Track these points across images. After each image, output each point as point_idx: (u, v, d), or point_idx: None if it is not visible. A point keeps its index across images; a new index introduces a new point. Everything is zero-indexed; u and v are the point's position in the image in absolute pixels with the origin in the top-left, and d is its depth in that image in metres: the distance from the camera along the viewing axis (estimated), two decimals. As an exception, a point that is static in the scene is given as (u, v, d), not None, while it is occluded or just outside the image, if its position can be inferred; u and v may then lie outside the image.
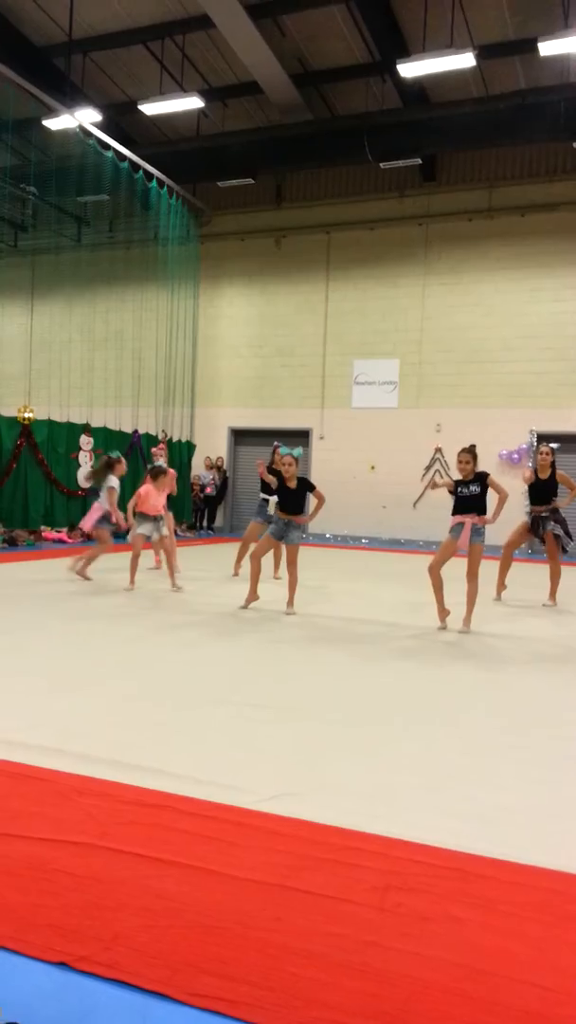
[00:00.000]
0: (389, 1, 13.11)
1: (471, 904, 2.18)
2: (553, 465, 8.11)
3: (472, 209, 16.30)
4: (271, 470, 8.44)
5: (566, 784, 3.14)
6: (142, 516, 8.46)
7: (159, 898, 2.15)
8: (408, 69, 12.53)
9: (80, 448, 14.36)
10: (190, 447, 17.11)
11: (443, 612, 6.58)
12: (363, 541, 16.43)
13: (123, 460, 9.18)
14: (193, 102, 14.25)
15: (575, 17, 12.11)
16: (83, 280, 16.61)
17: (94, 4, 13.74)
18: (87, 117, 13.81)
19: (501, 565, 8.37)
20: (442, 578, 6.60)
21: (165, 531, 8.63)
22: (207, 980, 1.81)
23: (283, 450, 7.30)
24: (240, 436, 18.58)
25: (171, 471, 9.07)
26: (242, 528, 17.58)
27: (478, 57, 12.23)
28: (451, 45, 12.37)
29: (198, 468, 17.66)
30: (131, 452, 15.44)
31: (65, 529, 13.88)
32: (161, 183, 15.54)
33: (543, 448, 8.18)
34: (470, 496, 6.59)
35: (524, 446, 15.62)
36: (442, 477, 15.10)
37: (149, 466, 8.87)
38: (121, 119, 16.52)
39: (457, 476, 6.80)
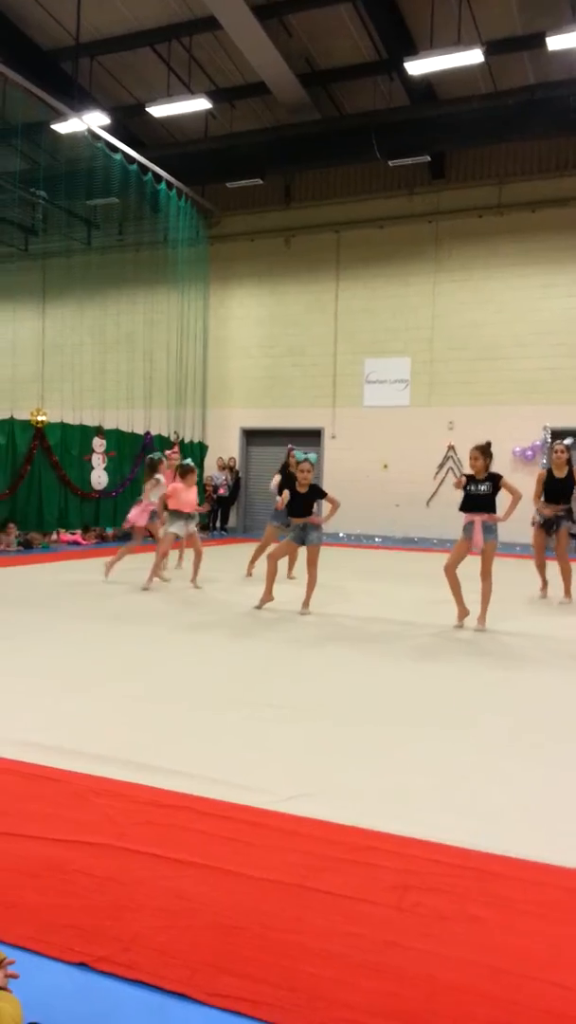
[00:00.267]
0: (396, -2, 13.08)
1: (489, 903, 2.18)
2: (569, 463, 8.00)
3: (482, 206, 16.22)
4: (285, 472, 8.44)
5: (584, 782, 3.12)
6: (175, 514, 8.48)
7: (178, 898, 2.16)
8: (415, 67, 12.49)
9: (93, 450, 14.42)
10: (202, 448, 17.14)
11: (462, 611, 6.55)
12: (377, 540, 16.40)
13: (164, 460, 9.27)
14: (201, 103, 14.26)
15: (583, 10, 12.04)
16: (93, 283, 16.66)
17: (100, 7, 13.78)
18: (95, 120, 13.85)
19: (537, 564, 8.38)
20: (459, 578, 6.58)
21: (195, 528, 8.69)
22: (226, 980, 1.82)
23: (299, 455, 7.26)
24: (252, 436, 18.58)
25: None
26: (255, 528, 17.65)
27: (486, 53, 12.16)
28: (458, 42, 12.32)
29: (210, 469, 17.69)
30: (143, 454, 15.49)
31: (79, 531, 13.93)
32: (170, 185, 15.57)
33: (557, 446, 8.06)
34: (479, 495, 6.54)
35: (538, 442, 15.55)
36: (457, 476, 15.08)
37: (177, 464, 8.89)
38: (129, 122, 16.56)
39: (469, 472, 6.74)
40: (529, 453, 15.56)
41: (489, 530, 6.47)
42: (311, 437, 17.50)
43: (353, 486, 16.14)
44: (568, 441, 8.21)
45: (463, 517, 6.65)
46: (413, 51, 13.26)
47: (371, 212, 17.06)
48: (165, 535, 8.56)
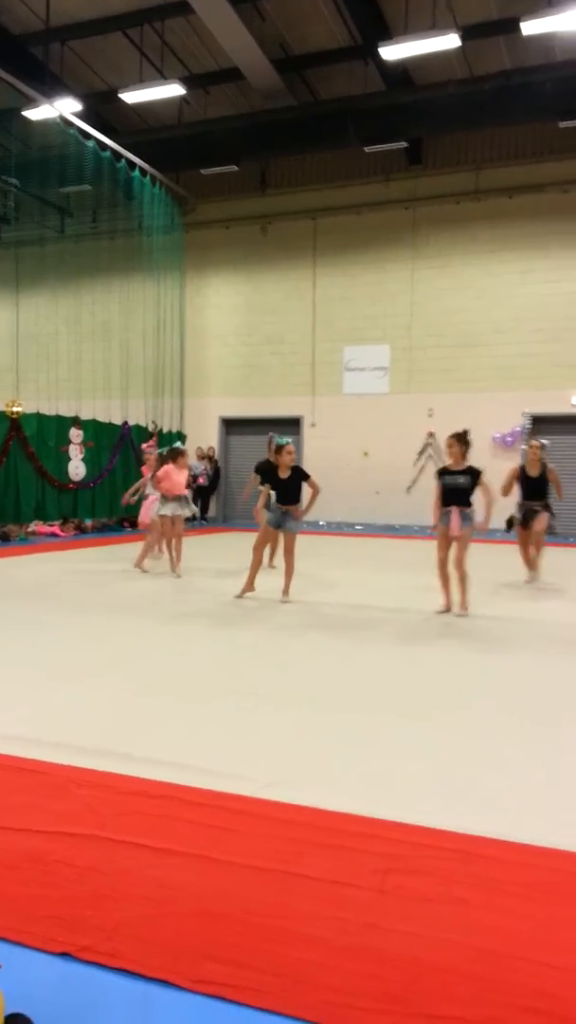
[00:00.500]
0: (370, -18, 12.99)
1: (473, 885, 2.18)
2: (543, 462, 8.02)
3: (459, 192, 16.21)
4: (263, 464, 8.31)
5: (568, 765, 3.14)
6: (165, 497, 8.58)
7: (160, 887, 2.14)
8: (391, 52, 12.42)
9: (70, 441, 14.30)
10: (181, 437, 17.04)
11: (447, 602, 6.55)
12: (357, 527, 16.43)
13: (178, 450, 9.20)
14: (174, 89, 14.11)
15: (558, -5, 12.01)
16: (68, 271, 16.49)
17: (72, -9, 13.58)
18: (67, 107, 13.67)
19: (524, 560, 8.34)
20: (448, 574, 6.59)
21: (187, 512, 8.75)
22: (210, 966, 1.81)
23: (280, 439, 7.09)
24: (231, 425, 18.52)
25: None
26: (235, 518, 17.60)
27: (461, 38, 12.12)
28: (433, 26, 12.26)
29: (190, 458, 17.58)
30: (121, 444, 15.40)
31: (58, 523, 13.83)
32: (144, 172, 15.42)
33: (532, 443, 8.05)
34: (457, 487, 6.46)
35: (517, 428, 15.62)
36: (436, 465, 15.15)
37: (168, 449, 8.96)
38: (101, 108, 16.36)
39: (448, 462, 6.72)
40: (509, 439, 15.62)
41: (466, 517, 6.46)
42: (290, 425, 17.46)
43: (333, 474, 16.13)
44: (543, 441, 8.20)
45: (441, 508, 6.60)
46: (388, 36, 13.19)
47: (348, 198, 17.00)
48: (159, 517, 8.65)
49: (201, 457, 17.73)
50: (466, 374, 16.20)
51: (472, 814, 2.62)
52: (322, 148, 16.01)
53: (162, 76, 14.65)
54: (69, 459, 14.28)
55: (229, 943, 1.90)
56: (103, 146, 14.26)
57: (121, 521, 15.18)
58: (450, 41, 11.99)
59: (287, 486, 6.96)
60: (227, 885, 2.15)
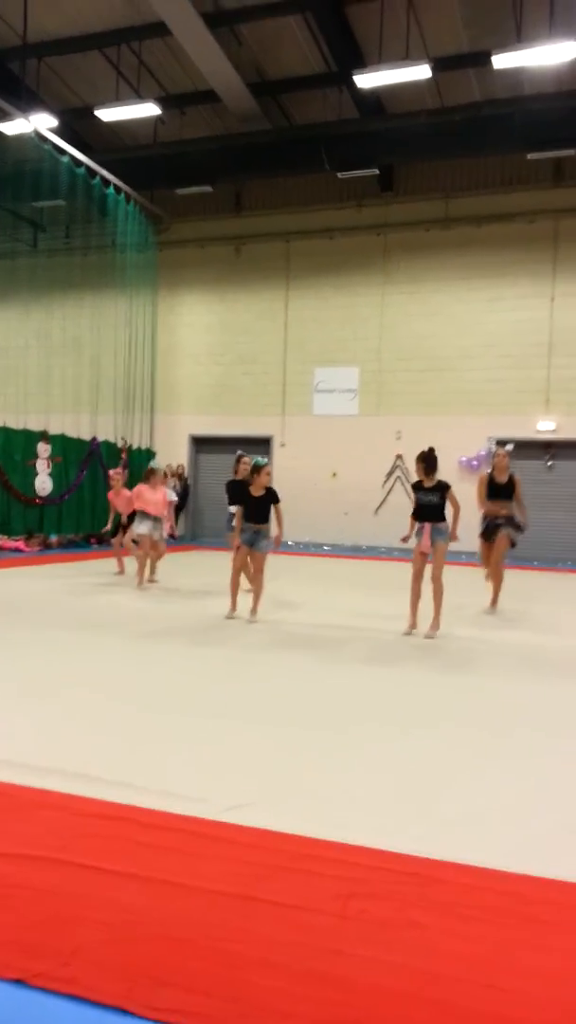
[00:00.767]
0: (345, 12, 13.23)
1: (432, 909, 2.19)
2: (510, 469, 7.97)
3: (429, 219, 16.48)
4: (234, 483, 8.37)
5: (529, 788, 3.18)
6: (143, 515, 8.91)
7: (119, 911, 2.13)
8: (364, 80, 12.65)
9: (37, 456, 14.19)
10: (150, 455, 17.01)
11: (413, 623, 6.61)
12: (325, 548, 16.47)
13: (158, 470, 9.60)
14: (150, 109, 14.21)
15: (528, 31, 12.34)
16: (40, 286, 16.41)
17: (48, 8, 13.64)
18: (43, 122, 13.68)
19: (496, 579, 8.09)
20: (420, 591, 6.67)
21: (157, 534, 9.04)
22: (167, 993, 1.80)
23: (258, 460, 7.16)
24: (201, 444, 18.52)
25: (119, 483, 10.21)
26: (204, 536, 17.57)
27: (433, 69, 12.39)
28: (407, 57, 12.52)
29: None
30: (89, 460, 15.32)
31: (23, 538, 13.69)
32: (118, 189, 15.46)
33: (499, 451, 8.04)
34: (430, 504, 6.68)
35: (483, 452, 15.82)
36: (405, 486, 15.30)
37: (147, 467, 9.43)
38: (77, 124, 16.41)
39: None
40: (475, 463, 15.82)
41: (439, 532, 6.61)
42: (261, 445, 17.51)
43: (302, 494, 16.19)
44: (509, 447, 8.19)
45: (415, 525, 6.76)
46: (362, 64, 13.44)
47: (321, 222, 17.20)
48: (138, 535, 8.96)
49: (171, 475, 17.68)
50: (434, 398, 16.40)
51: (431, 836, 2.64)
52: (296, 172, 16.19)
53: (138, 95, 14.74)
54: (36, 473, 14.16)
55: (187, 969, 1.89)
56: (78, 162, 14.28)
57: (88, 537, 15.07)
58: (422, 72, 12.24)
59: (259, 505, 6.99)
60: (186, 910, 2.14)
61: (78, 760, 3.24)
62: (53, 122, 14.08)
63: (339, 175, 15.63)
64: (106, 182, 15.09)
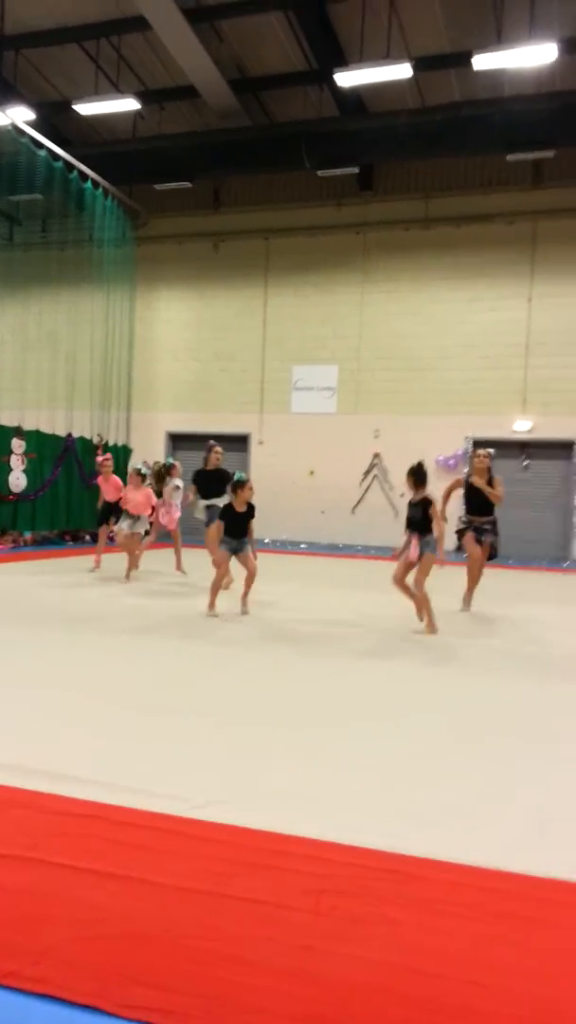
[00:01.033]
0: (326, 10, 13.22)
1: (406, 905, 2.18)
2: (490, 472, 7.70)
3: (408, 219, 16.53)
4: (203, 473, 8.43)
5: (506, 784, 3.18)
6: (127, 514, 9.46)
7: (91, 910, 2.10)
8: (345, 78, 12.66)
9: (12, 451, 14.04)
10: (127, 451, 16.90)
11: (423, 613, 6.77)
12: (302, 546, 16.46)
13: (175, 465, 10.62)
14: (129, 103, 14.11)
15: (508, 32, 12.41)
16: (15, 280, 16.25)
17: (27, 0, 13.50)
18: (20, 115, 13.54)
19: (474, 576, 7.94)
20: (405, 587, 6.77)
21: (141, 529, 9.52)
22: (139, 991, 1.77)
23: (239, 475, 7.21)
24: (178, 440, 18.44)
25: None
26: (181, 533, 17.41)
27: (414, 69, 12.42)
28: (388, 56, 12.54)
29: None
30: (64, 456, 15.18)
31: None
32: (96, 184, 15.33)
33: (480, 452, 7.74)
34: (414, 519, 6.73)
35: (460, 452, 15.90)
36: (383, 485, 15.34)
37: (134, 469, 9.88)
38: (55, 118, 16.26)
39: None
40: (452, 462, 15.89)
41: (426, 544, 6.66)
42: (238, 442, 17.48)
43: (280, 492, 16.19)
44: (491, 450, 7.90)
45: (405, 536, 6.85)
46: (343, 63, 13.44)
47: (300, 220, 17.19)
48: (116, 531, 9.60)
49: (177, 474, 17.54)
50: (412, 397, 16.45)
51: (406, 833, 2.63)
52: (275, 170, 16.16)
53: (117, 90, 14.64)
54: (10, 469, 14.01)
55: (158, 966, 1.86)
56: (55, 156, 14.14)
57: (62, 534, 14.94)
58: (403, 71, 12.27)
59: (242, 520, 7.04)
60: (158, 907, 2.12)
61: (49, 758, 3.20)
62: (31, 115, 13.94)
63: (319, 173, 15.62)
64: (84, 176, 14.96)
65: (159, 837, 2.53)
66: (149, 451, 17.83)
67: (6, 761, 3.13)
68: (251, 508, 7.09)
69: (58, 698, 4.14)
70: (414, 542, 6.67)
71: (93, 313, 15.82)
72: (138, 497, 9.42)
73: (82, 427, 15.61)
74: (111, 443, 16.33)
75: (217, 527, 7.11)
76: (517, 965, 1.93)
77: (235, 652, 5.60)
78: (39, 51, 14.76)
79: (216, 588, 7.09)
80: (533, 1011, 1.77)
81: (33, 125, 13.97)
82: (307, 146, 14.47)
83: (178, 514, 10.15)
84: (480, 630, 7.02)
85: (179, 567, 9.88)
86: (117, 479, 10.53)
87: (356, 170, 15.78)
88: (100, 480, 10.64)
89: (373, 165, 16.41)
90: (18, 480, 14.20)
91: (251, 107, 15.44)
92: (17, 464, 14.13)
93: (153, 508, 9.77)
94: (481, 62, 11.87)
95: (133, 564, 9.45)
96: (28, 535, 14.20)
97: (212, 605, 7.06)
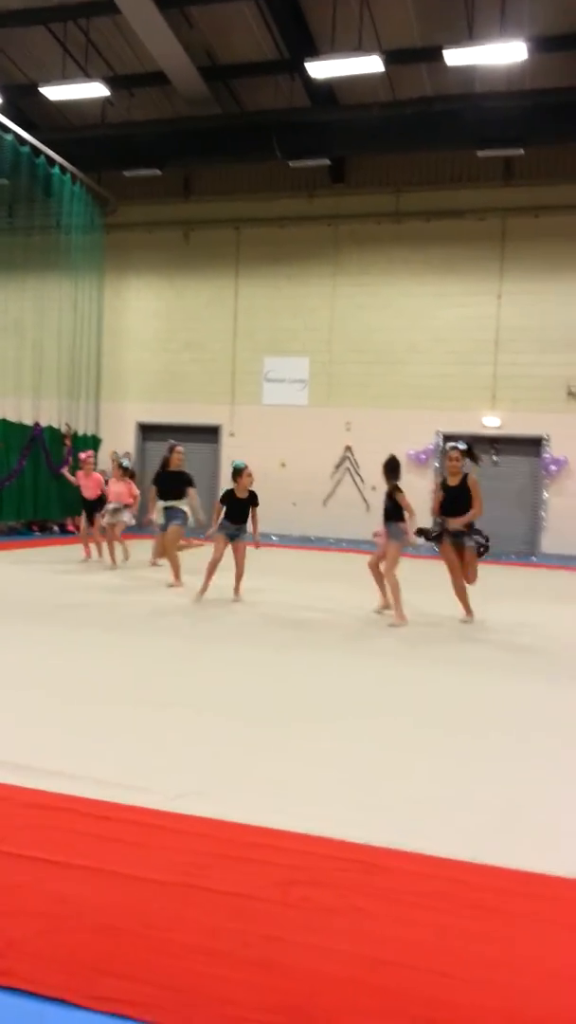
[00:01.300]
0: (298, 0, 13.14)
1: (375, 895, 2.20)
2: (463, 471, 7.11)
3: (380, 212, 16.53)
4: (164, 475, 8.76)
5: (475, 777, 3.21)
6: (112, 505, 10.17)
7: (58, 902, 2.08)
8: (316, 69, 12.60)
9: (-22, 440, 13.84)
10: (96, 442, 16.74)
11: (382, 599, 7.13)
12: (273, 538, 16.44)
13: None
14: (97, 89, 13.92)
15: (479, 29, 12.45)
16: (-19, 266, 15.97)
17: (-6, -20, 13.25)
18: (-13, 98, 13.29)
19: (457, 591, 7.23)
20: (380, 572, 7.09)
21: (122, 519, 10.15)
22: (107, 982, 1.77)
23: (237, 463, 7.57)
24: (148, 431, 18.31)
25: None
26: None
27: (385, 62, 12.40)
28: (359, 48, 12.51)
29: (104, 463, 17.29)
30: (31, 446, 14.99)
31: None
32: (64, 170, 15.12)
33: (451, 452, 7.13)
34: (386, 508, 7.04)
35: (431, 446, 16.00)
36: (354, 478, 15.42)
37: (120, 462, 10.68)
38: (21, 102, 15.98)
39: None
40: (423, 456, 15.98)
41: (394, 534, 6.88)
42: (209, 434, 17.40)
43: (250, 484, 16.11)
44: (461, 445, 7.17)
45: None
46: (314, 53, 13.39)
47: (272, 211, 17.10)
48: (109, 522, 10.09)
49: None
50: (383, 391, 16.49)
51: (376, 824, 2.65)
52: (246, 159, 16.05)
53: (86, 74, 14.43)
54: (-23, 459, 13.81)
55: (127, 958, 1.86)
56: (22, 141, 13.90)
57: (30, 525, 14.78)
58: (374, 64, 12.24)
59: (242, 506, 7.47)
60: (127, 899, 2.11)
61: (18, 750, 3.17)
62: (-3, 98, 13.69)
63: (290, 164, 15.54)
64: (51, 162, 14.74)
65: (130, 829, 2.52)
66: (119, 442, 17.69)
67: (-28, 754, 3.09)
68: (253, 496, 7.49)
69: (27, 690, 4.10)
70: (383, 532, 6.89)
71: (61, 301, 15.61)
72: (119, 488, 10.17)
73: (50, 416, 15.42)
74: (80, 433, 16.17)
75: (177, 531, 7.90)
76: (485, 955, 1.95)
77: (208, 647, 5.59)
78: (5, 32, 14.48)
79: (212, 568, 7.32)
80: (501, 1000, 1.79)
81: None
82: (278, 136, 14.39)
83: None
84: (452, 625, 7.06)
85: (155, 560, 10.14)
86: (98, 476, 10.70)
87: (328, 162, 15.74)
88: (80, 476, 10.66)
89: (345, 158, 16.38)
90: (-16, 470, 14.00)
91: (222, 95, 15.32)
92: (-16, 453, 13.94)
93: (135, 499, 10.30)
94: (452, 57, 11.88)
95: (111, 552, 9.93)
96: (-7, 525, 14.03)
97: (204, 589, 7.25)
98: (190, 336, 17.76)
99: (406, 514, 6.82)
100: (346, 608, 7.38)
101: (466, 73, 13.36)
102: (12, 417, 14.63)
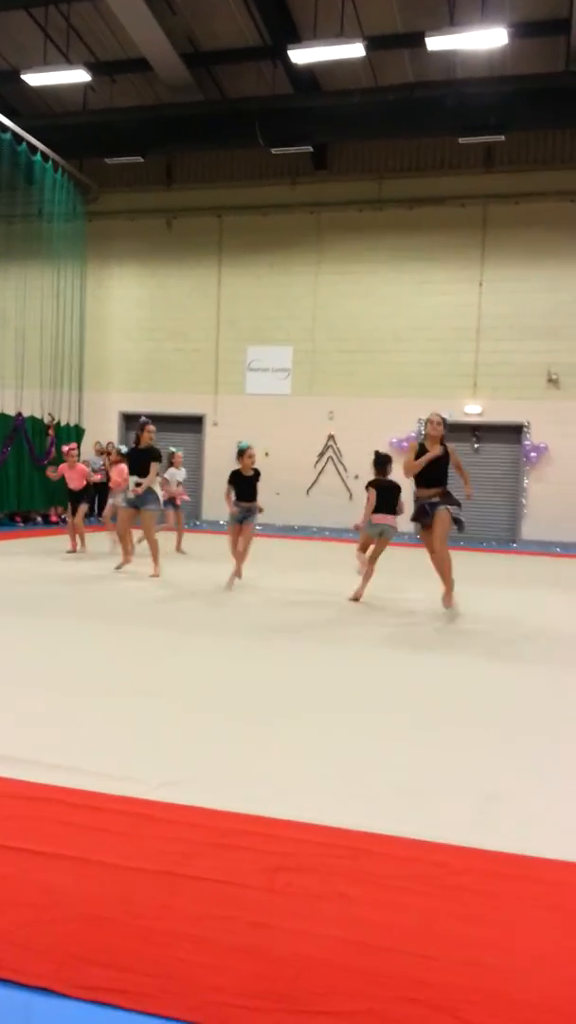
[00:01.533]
0: (280, -15, 13.06)
1: (360, 880, 2.22)
2: (444, 441, 6.81)
3: (362, 200, 16.49)
4: (133, 450, 8.80)
5: (458, 763, 3.24)
6: (113, 492, 10.55)
7: (44, 892, 2.09)
8: (298, 55, 12.52)
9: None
10: (79, 432, 16.66)
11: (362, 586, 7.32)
12: (257, 527, 16.45)
13: (175, 452, 11.17)
14: (79, 75, 13.77)
15: (460, 15, 12.41)
16: (-38, 255, 15.79)
17: (-28, -36, 13.06)
18: (-34, 83, 13.12)
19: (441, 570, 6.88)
20: (366, 562, 7.36)
21: (120, 503, 10.20)
22: (94, 971, 1.78)
23: (242, 443, 7.88)
24: (131, 421, 18.20)
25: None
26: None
27: (367, 48, 12.34)
28: (341, 34, 12.45)
29: (87, 453, 17.20)
30: (14, 436, 14.90)
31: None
32: (46, 157, 14.97)
33: (433, 417, 6.86)
34: (387, 502, 7.38)
35: (413, 435, 16.02)
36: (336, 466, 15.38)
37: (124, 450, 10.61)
38: (2, 88, 15.79)
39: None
40: (404, 444, 16.00)
41: (370, 524, 7.37)
42: (192, 423, 17.36)
43: (233, 473, 16.07)
44: (445, 414, 7.07)
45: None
46: (297, 39, 13.30)
47: (254, 199, 17.02)
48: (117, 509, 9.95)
49: (99, 452, 17.35)
50: (366, 379, 16.50)
51: (361, 810, 2.67)
52: (228, 146, 15.97)
53: (67, 60, 14.27)
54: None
55: (114, 947, 1.87)
56: (3, 127, 13.75)
57: (12, 515, 14.70)
58: (355, 50, 12.19)
59: (249, 484, 7.80)
60: (113, 888, 2.12)
61: (2, 741, 3.17)
62: (-24, 83, 13.51)
63: (272, 151, 15.47)
64: (33, 149, 14.59)
65: (114, 819, 2.53)
66: (102, 431, 17.61)
67: (-43, 746, 3.09)
68: (257, 473, 7.86)
69: (10, 682, 4.09)
70: (363, 524, 7.37)
71: (43, 289, 15.49)
72: (116, 476, 10.47)
73: (32, 406, 15.33)
74: (63, 423, 16.08)
75: (151, 517, 8.22)
76: (467, 937, 1.98)
77: (193, 637, 5.59)
78: (-16, 17, 14.30)
79: (235, 552, 7.83)
80: (487, 982, 1.82)
81: (-21, 95, 13.56)
82: (260, 122, 14.31)
83: (185, 498, 11.22)
84: (435, 614, 7.09)
85: (179, 548, 10.74)
86: (83, 467, 10.70)
87: (310, 149, 15.66)
88: (64, 468, 10.55)
89: (327, 145, 16.31)
90: (-34, 460, 13.90)
91: (204, 82, 15.20)
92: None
93: (125, 481, 10.18)
94: (434, 43, 11.85)
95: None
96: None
97: (237, 573, 7.74)
98: (173, 325, 17.67)
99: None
100: (331, 598, 7.40)
101: (447, 59, 13.34)
102: (-6, 407, 14.52)
